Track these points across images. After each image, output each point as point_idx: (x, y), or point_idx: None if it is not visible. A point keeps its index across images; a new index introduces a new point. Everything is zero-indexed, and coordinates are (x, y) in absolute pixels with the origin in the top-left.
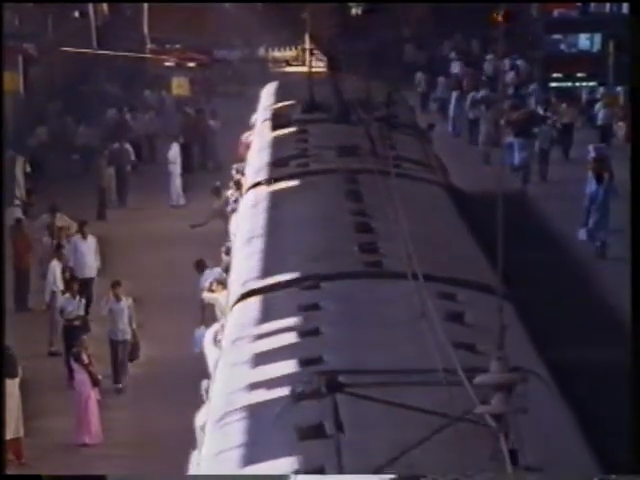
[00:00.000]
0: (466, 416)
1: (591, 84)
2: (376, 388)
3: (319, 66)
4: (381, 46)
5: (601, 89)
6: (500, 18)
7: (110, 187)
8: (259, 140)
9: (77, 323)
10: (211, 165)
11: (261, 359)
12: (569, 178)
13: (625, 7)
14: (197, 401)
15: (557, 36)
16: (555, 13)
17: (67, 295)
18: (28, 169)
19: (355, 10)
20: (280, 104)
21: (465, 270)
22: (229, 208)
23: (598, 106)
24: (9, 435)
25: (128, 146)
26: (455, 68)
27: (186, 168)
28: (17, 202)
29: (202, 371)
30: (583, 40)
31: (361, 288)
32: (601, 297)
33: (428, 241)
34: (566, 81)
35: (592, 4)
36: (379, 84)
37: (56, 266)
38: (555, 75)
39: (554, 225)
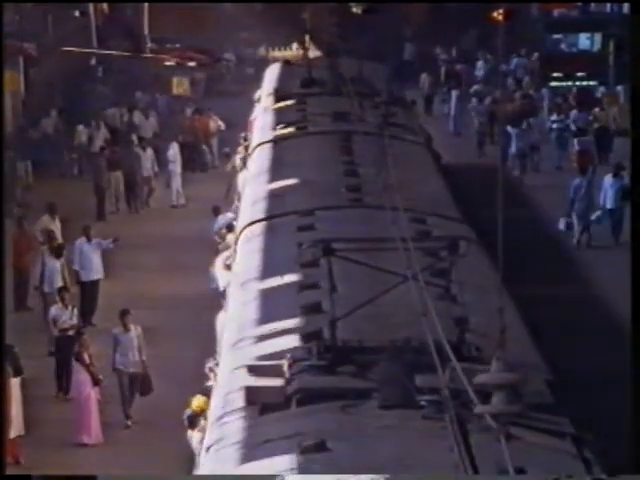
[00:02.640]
0: (417, 277)
1: (591, 83)
2: (359, 252)
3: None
4: (381, 45)
5: (601, 89)
6: (500, 17)
7: (118, 192)
8: (264, 109)
9: (71, 333)
10: (210, 165)
11: (269, 267)
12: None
13: (625, 7)
14: None
15: (557, 36)
16: (555, 13)
17: (59, 305)
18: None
19: (355, 9)
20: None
21: (435, 206)
22: (238, 167)
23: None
24: (13, 434)
25: (151, 152)
26: (480, 69)
27: (186, 168)
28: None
29: None
30: (583, 40)
31: (347, 215)
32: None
33: (407, 185)
34: (566, 80)
35: (592, 4)
36: (370, 65)
37: (56, 266)
38: (555, 75)
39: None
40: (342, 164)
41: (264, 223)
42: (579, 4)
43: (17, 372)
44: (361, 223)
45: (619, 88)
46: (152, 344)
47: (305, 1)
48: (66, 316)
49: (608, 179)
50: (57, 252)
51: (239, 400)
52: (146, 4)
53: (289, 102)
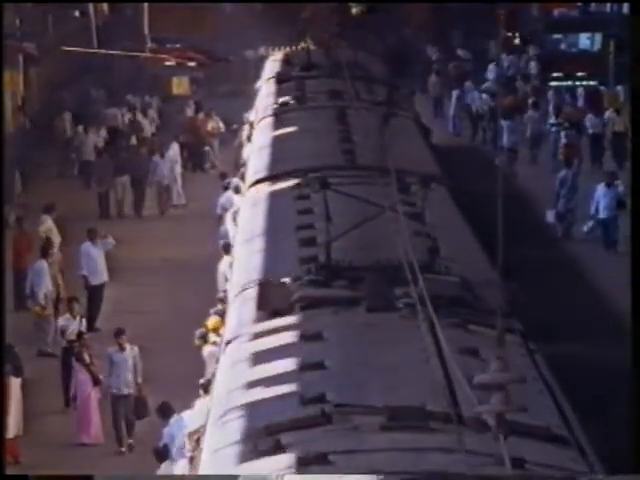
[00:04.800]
0: (396, 208)
1: (591, 83)
2: (351, 186)
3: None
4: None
5: (601, 88)
6: (501, 17)
7: (123, 197)
8: (266, 90)
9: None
10: (209, 165)
11: (272, 213)
12: None
13: (625, 7)
14: None
15: (557, 36)
16: (555, 13)
17: (67, 315)
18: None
19: (355, 10)
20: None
21: (417, 166)
22: (244, 142)
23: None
24: (12, 434)
25: (169, 160)
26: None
27: (186, 167)
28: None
29: None
30: (583, 40)
31: (339, 175)
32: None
33: (396, 149)
34: (566, 80)
35: (592, 4)
36: (365, 54)
37: (44, 266)
38: (555, 74)
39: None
40: (337, 132)
41: (266, 182)
42: (579, 4)
43: (17, 372)
44: (351, 180)
45: (619, 88)
46: (152, 343)
47: (305, 1)
48: (74, 326)
49: (601, 188)
50: (43, 251)
51: (252, 306)
52: (146, 4)
53: (289, 83)
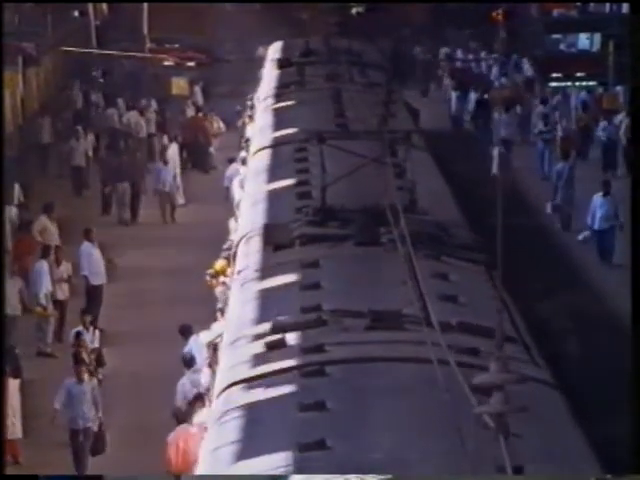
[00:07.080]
0: (384, 160)
1: (591, 84)
2: (344, 143)
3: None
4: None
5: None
6: (500, 17)
7: (124, 204)
8: (268, 74)
9: (93, 357)
10: (208, 166)
11: (273, 173)
12: None
13: (625, 7)
14: None
15: (557, 36)
16: (555, 13)
17: (80, 327)
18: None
19: (356, 9)
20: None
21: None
22: (247, 120)
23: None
24: (15, 435)
25: (173, 166)
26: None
27: (185, 168)
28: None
29: None
30: (583, 40)
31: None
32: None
33: (383, 122)
34: (566, 81)
35: (591, 4)
36: (359, 42)
37: (44, 267)
38: (555, 75)
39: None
40: (333, 109)
41: (269, 150)
42: (578, 4)
43: (16, 374)
44: (346, 145)
45: (618, 88)
46: (152, 344)
47: (305, 1)
48: (88, 339)
49: (597, 199)
50: (44, 252)
51: (258, 244)
52: (145, 4)
53: (289, 69)
